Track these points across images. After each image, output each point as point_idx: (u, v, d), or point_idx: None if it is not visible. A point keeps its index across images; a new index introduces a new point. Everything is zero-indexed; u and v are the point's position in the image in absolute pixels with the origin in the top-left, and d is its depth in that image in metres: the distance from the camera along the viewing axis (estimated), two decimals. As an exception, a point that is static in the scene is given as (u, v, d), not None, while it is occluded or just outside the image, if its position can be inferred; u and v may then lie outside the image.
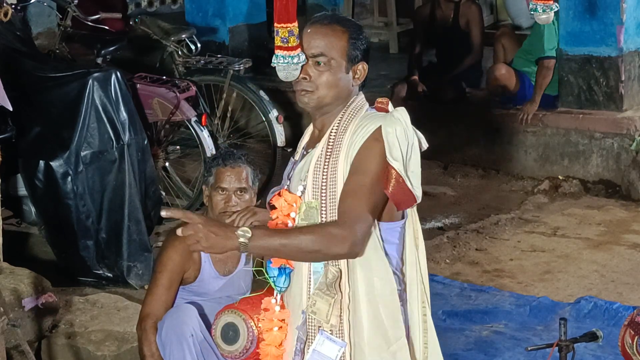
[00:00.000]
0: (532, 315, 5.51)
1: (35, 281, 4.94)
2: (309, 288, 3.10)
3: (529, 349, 3.96)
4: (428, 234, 6.63)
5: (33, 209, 6.00)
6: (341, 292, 3.05)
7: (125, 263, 5.79)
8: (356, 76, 3.15)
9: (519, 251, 6.46)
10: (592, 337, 3.76)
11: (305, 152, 3.18)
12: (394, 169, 3.00)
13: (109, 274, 5.83)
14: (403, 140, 3.04)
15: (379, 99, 3.17)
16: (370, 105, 3.18)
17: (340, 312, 3.06)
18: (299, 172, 3.14)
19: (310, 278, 3.10)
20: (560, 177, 7.62)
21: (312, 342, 3.11)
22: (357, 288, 3.06)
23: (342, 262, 3.05)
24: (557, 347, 3.69)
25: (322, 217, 3.05)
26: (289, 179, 3.18)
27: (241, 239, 2.90)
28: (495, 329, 5.36)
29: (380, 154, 3.01)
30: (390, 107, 3.14)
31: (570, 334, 3.75)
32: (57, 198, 5.75)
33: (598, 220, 6.91)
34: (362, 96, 3.17)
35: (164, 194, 6.61)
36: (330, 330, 3.08)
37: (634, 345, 3.66)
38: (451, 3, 8.36)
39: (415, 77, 8.27)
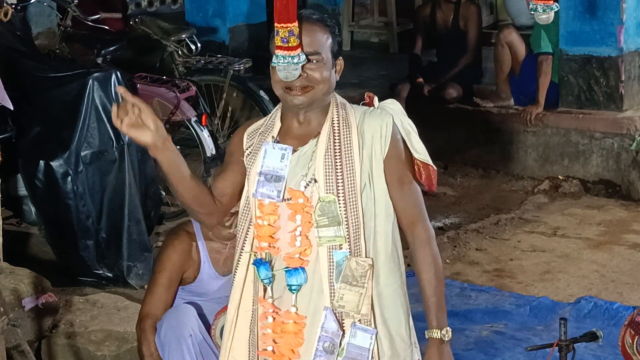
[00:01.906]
0: (532, 315, 5.51)
1: (35, 281, 4.94)
2: (331, 283, 3.10)
3: (529, 349, 3.95)
4: (428, 234, 6.63)
5: (33, 209, 6.00)
6: (372, 282, 3.11)
7: (125, 263, 5.79)
8: (337, 71, 3.21)
9: (519, 251, 6.46)
10: (592, 337, 3.76)
11: (279, 142, 3.18)
12: (421, 161, 3.20)
13: (109, 274, 5.83)
14: (413, 126, 3.20)
15: (368, 94, 3.27)
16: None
17: (372, 301, 3.12)
18: (291, 167, 3.14)
19: (332, 273, 3.10)
20: (560, 177, 7.63)
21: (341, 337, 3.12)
22: (389, 277, 3.16)
23: (372, 249, 3.13)
24: (557, 347, 3.69)
25: (341, 210, 3.08)
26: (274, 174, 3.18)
27: (447, 338, 3.16)
28: (495, 329, 5.36)
29: (404, 147, 3.18)
30: (376, 101, 3.23)
31: (570, 334, 3.74)
32: (57, 198, 5.75)
33: (598, 220, 6.91)
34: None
35: (164, 193, 6.61)
36: (359, 320, 3.11)
37: (634, 345, 3.66)
38: (451, 4, 8.37)
39: (421, 80, 8.26)
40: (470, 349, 5.15)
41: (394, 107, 3.20)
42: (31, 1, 7.07)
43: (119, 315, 5.10)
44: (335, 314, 3.10)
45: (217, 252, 4.32)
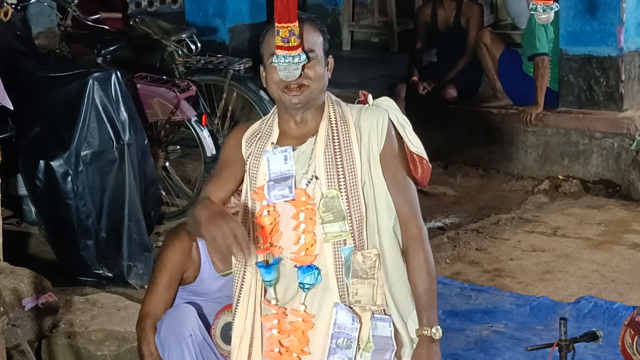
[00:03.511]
0: (532, 315, 5.51)
1: (35, 281, 4.94)
2: (338, 279, 3.11)
3: (529, 348, 3.96)
4: (428, 234, 6.62)
5: (33, 209, 6.00)
6: (381, 271, 3.14)
7: (126, 263, 5.79)
8: (329, 69, 3.23)
9: (519, 251, 6.46)
10: (592, 337, 3.76)
11: (278, 147, 3.18)
12: (417, 155, 3.23)
13: (109, 274, 5.83)
14: (408, 121, 3.23)
15: (363, 92, 3.31)
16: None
17: (384, 290, 3.15)
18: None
19: (339, 269, 3.11)
20: (560, 177, 7.63)
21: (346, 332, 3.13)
22: (396, 269, 3.19)
23: (376, 244, 3.15)
24: (557, 347, 3.69)
25: (345, 205, 3.10)
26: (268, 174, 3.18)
27: (437, 336, 3.15)
28: (495, 329, 5.36)
29: (400, 142, 3.20)
30: (370, 99, 3.26)
31: (570, 334, 3.75)
32: (57, 198, 5.75)
33: (598, 220, 6.91)
34: None
35: (164, 193, 6.61)
36: (376, 310, 3.14)
37: (634, 345, 3.66)
38: (453, 2, 8.35)
39: (415, 78, 8.26)
40: (470, 349, 5.15)
41: (388, 104, 3.23)
42: (31, 1, 7.07)
43: (119, 315, 5.10)
44: (350, 308, 3.11)
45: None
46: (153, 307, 4.24)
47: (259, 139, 3.23)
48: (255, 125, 3.28)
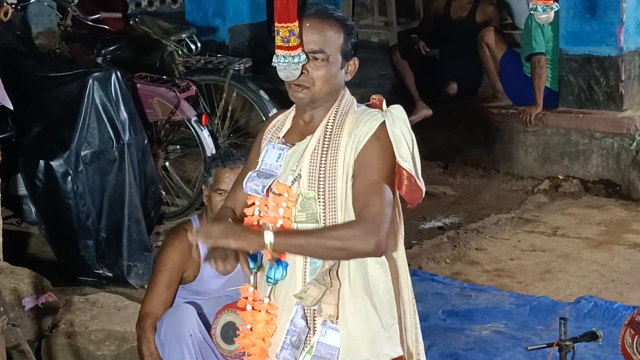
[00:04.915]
0: (532, 315, 5.51)
1: (35, 281, 4.94)
2: (304, 279, 3.11)
3: (529, 348, 3.96)
4: (428, 234, 6.64)
5: (33, 209, 6.00)
6: (339, 281, 3.09)
7: (125, 263, 5.79)
8: (348, 71, 3.19)
9: (519, 251, 6.46)
10: (592, 336, 3.76)
11: (285, 142, 3.19)
12: (405, 170, 3.10)
13: (109, 274, 5.83)
14: (408, 137, 3.11)
15: (374, 96, 3.23)
16: (360, 102, 3.25)
17: (338, 301, 3.09)
18: (285, 162, 3.16)
19: (306, 270, 3.12)
20: (560, 177, 7.63)
21: (309, 335, 3.13)
22: (354, 278, 3.10)
23: None
24: (557, 347, 3.69)
25: (320, 208, 3.09)
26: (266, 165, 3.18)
27: (265, 240, 2.97)
28: (495, 329, 5.36)
29: (388, 152, 3.08)
30: (384, 104, 3.20)
31: (570, 334, 3.75)
32: (57, 198, 5.75)
33: (598, 220, 6.91)
34: (348, 90, 3.22)
35: (164, 193, 6.61)
36: (330, 320, 3.10)
37: (634, 345, 3.66)
38: None
39: (415, 36, 8.25)
40: (470, 349, 5.15)
41: (397, 113, 3.13)
42: (31, 1, 7.08)
43: (119, 315, 5.10)
44: (304, 310, 3.11)
45: (217, 251, 4.31)
46: (153, 307, 4.24)
47: (273, 132, 3.25)
48: (279, 116, 3.29)
